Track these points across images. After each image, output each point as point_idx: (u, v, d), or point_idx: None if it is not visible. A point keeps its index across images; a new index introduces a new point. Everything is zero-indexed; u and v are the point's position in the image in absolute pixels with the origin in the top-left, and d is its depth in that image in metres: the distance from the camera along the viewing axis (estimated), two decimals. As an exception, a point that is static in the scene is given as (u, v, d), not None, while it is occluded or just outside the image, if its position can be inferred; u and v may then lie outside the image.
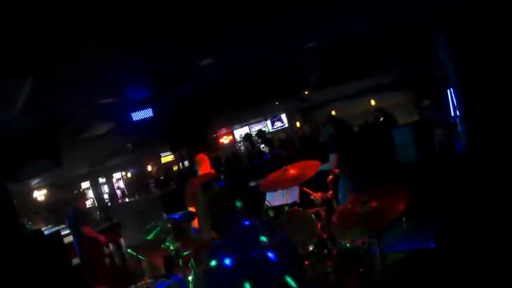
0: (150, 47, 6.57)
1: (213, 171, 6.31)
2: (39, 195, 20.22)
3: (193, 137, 13.12)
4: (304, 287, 2.97)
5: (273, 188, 5.39)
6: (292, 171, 4.96)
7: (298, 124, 24.63)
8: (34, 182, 17.83)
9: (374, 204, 3.35)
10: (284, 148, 16.60)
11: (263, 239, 2.71)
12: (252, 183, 7.95)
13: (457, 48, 8.08)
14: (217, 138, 23.05)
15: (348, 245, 4.14)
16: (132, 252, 4.99)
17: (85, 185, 23.35)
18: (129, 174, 24.98)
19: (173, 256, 4.10)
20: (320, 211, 4.96)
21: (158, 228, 4.34)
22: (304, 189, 5.34)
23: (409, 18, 8.40)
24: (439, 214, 6.02)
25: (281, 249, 2.76)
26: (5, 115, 6.97)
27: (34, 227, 11.03)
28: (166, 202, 11.80)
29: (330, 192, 5.26)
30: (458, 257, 4.36)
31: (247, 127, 24.19)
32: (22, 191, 17.63)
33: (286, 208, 5.24)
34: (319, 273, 3.91)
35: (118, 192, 23.31)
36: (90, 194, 23.24)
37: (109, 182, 24.71)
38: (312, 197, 5.20)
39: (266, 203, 5.69)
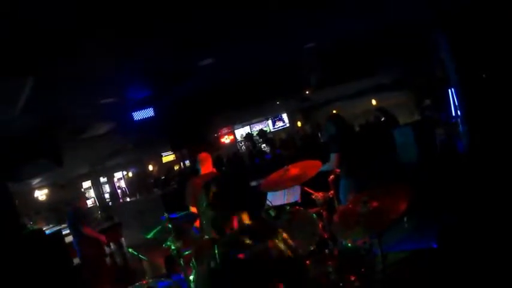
0: (150, 47, 6.57)
1: (215, 170, 6.31)
2: (41, 194, 20.26)
3: (194, 137, 13.13)
4: (305, 287, 2.97)
5: (274, 187, 5.39)
6: (293, 171, 4.94)
7: (299, 124, 24.63)
8: (35, 181, 17.86)
9: (375, 204, 3.34)
10: (285, 148, 16.60)
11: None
12: (253, 183, 7.94)
13: (457, 48, 8.07)
14: (218, 138, 23.05)
15: (349, 244, 4.13)
16: (133, 251, 4.98)
17: (86, 184, 23.38)
18: (130, 174, 24.99)
19: (174, 256, 4.09)
20: (321, 211, 4.95)
21: (159, 228, 4.34)
22: (306, 188, 5.32)
23: (409, 18, 8.39)
24: (440, 214, 6.02)
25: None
26: (6, 115, 6.97)
27: (35, 227, 11.04)
28: (168, 202, 11.79)
29: (331, 191, 5.24)
30: (460, 257, 4.35)
31: (248, 127, 24.20)
32: (23, 190, 17.66)
33: (288, 208, 5.23)
34: (320, 273, 3.90)
35: (119, 191, 23.33)
36: (92, 193, 23.28)
37: (110, 182, 24.73)
38: (313, 197, 5.18)
39: (267, 202, 5.68)
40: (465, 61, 7.95)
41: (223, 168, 13.65)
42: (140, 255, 4.93)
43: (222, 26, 6.39)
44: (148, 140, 17.05)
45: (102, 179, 24.48)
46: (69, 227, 8.29)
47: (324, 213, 4.91)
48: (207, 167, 6.17)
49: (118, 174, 25.17)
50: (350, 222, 3.49)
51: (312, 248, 4.38)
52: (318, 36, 8.95)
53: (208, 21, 6.00)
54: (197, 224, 5.79)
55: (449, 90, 9.93)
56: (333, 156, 6.32)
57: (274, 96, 17.61)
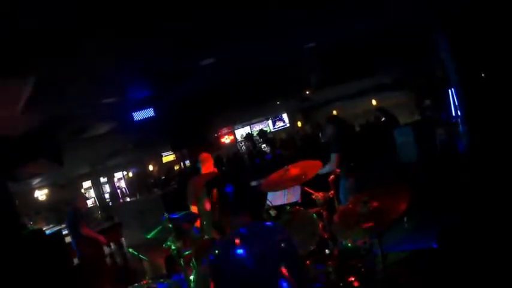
0: (150, 47, 6.57)
1: (216, 170, 6.33)
2: (41, 194, 20.28)
3: (194, 137, 13.13)
4: (305, 287, 2.97)
5: (275, 187, 5.39)
6: (293, 171, 4.94)
7: (299, 124, 24.64)
8: (35, 181, 17.87)
9: (375, 203, 3.34)
10: (285, 148, 16.60)
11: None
12: (254, 183, 7.94)
13: (457, 48, 8.07)
14: (218, 138, 23.06)
15: (349, 244, 4.13)
16: (133, 251, 4.98)
17: (86, 184, 23.41)
18: (130, 174, 25.00)
19: (174, 256, 4.09)
20: (321, 211, 4.95)
21: (159, 228, 4.34)
22: (306, 188, 5.32)
23: (409, 18, 8.39)
24: (440, 214, 6.02)
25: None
26: (6, 115, 6.98)
27: (35, 227, 11.05)
28: (168, 202, 11.79)
29: (332, 191, 5.25)
30: (460, 257, 4.35)
31: (248, 127, 24.22)
32: (23, 190, 17.67)
33: (288, 208, 5.23)
34: (320, 273, 3.90)
35: (119, 191, 23.34)
36: (92, 193, 23.30)
37: (110, 182, 24.75)
38: (313, 197, 5.18)
39: (267, 202, 5.68)
40: (465, 61, 7.95)
41: (224, 168, 13.65)
42: (140, 255, 4.93)
43: (222, 26, 6.39)
44: (149, 140, 17.06)
45: (102, 179, 24.50)
46: (68, 227, 8.27)
47: (324, 213, 4.91)
48: (208, 167, 6.22)
49: (118, 174, 25.19)
50: (350, 222, 3.49)
51: (312, 248, 4.38)
52: (318, 36, 8.95)
53: (208, 21, 6.00)
54: (198, 224, 5.80)
55: (450, 90, 9.93)
56: (333, 157, 6.33)
57: (275, 96, 17.62)
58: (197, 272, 3.76)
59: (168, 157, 24.62)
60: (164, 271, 6.88)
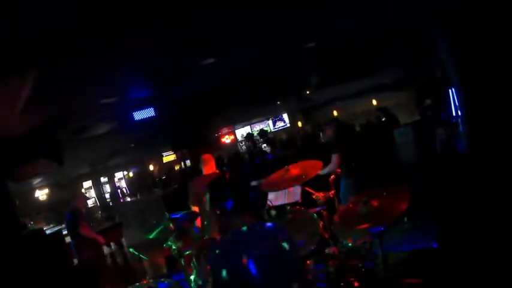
0: (150, 47, 6.57)
1: (217, 171, 6.35)
2: (41, 194, 20.29)
3: (195, 137, 13.13)
4: (306, 287, 2.97)
5: (275, 187, 5.40)
6: (293, 171, 4.95)
7: (300, 124, 24.65)
8: (36, 181, 17.87)
9: (375, 203, 3.35)
10: (286, 148, 16.60)
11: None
12: (254, 183, 7.95)
13: (457, 48, 8.07)
14: (219, 138, 23.08)
15: (349, 244, 4.14)
16: (134, 251, 4.99)
17: (87, 184, 23.44)
18: (131, 174, 25.03)
19: (175, 255, 4.10)
20: (322, 211, 4.96)
21: (160, 228, 4.35)
22: (306, 188, 5.34)
23: (409, 18, 8.39)
24: (441, 214, 6.02)
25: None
26: (6, 115, 6.98)
27: (36, 227, 11.05)
28: (168, 202, 11.80)
29: (332, 191, 5.25)
30: (460, 257, 4.36)
31: (248, 127, 24.23)
32: (24, 190, 17.68)
33: (288, 208, 5.24)
34: (320, 273, 3.90)
35: (119, 191, 23.38)
36: (92, 193, 23.33)
37: (111, 182, 24.77)
38: (314, 197, 5.19)
39: (268, 202, 5.69)
40: (465, 61, 7.94)
41: (224, 168, 13.65)
42: (141, 255, 4.95)
43: (222, 26, 6.40)
44: (149, 139, 17.07)
45: (103, 179, 24.53)
46: (67, 228, 8.24)
47: (325, 213, 4.92)
48: (209, 167, 6.25)
49: (119, 174, 25.22)
50: (350, 222, 3.49)
51: (312, 248, 4.39)
52: (318, 36, 8.94)
53: (208, 21, 6.00)
54: (198, 223, 5.81)
55: (450, 90, 9.92)
56: (334, 157, 6.34)
57: (275, 96, 17.62)
58: (198, 271, 3.77)
59: (169, 157, 24.64)
60: (165, 271, 6.90)
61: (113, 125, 12.06)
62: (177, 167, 22.34)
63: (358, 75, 14.25)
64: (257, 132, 21.48)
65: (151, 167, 24.52)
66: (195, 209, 5.82)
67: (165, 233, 4.26)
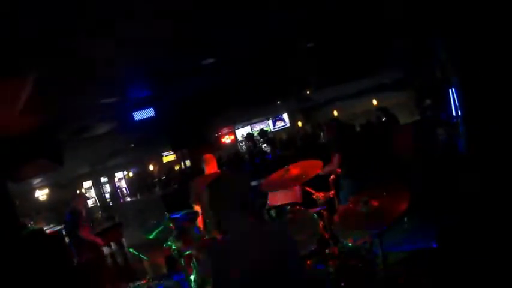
0: (150, 46, 6.57)
1: (219, 171, 6.37)
2: (41, 194, 20.30)
3: (195, 137, 13.13)
4: (306, 287, 2.97)
5: (275, 187, 5.40)
6: (293, 171, 4.95)
7: (300, 124, 24.65)
8: (36, 181, 17.88)
9: (375, 203, 3.35)
10: (286, 148, 16.60)
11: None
12: (254, 183, 7.95)
13: (457, 48, 8.06)
14: (219, 138, 23.08)
15: (349, 244, 4.14)
16: (134, 251, 4.99)
17: (87, 184, 23.45)
18: (131, 174, 25.03)
19: (175, 255, 4.10)
20: (322, 211, 4.96)
21: (160, 228, 4.35)
22: (306, 188, 5.33)
23: (409, 18, 8.39)
24: (440, 214, 6.02)
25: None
26: (6, 115, 6.97)
27: (36, 227, 11.05)
28: (168, 202, 11.80)
29: (332, 191, 5.25)
30: (460, 257, 4.35)
31: (249, 127, 24.23)
32: (24, 190, 17.69)
33: (288, 208, 5.24)
34: (320, 273, 3.90)
35: (119, 191, 23.38)
36: (92, 193, 23.33)
37: (111, 182, 24.78)
38: (314, 197, 5.19)
39: (268, 202, 5.69)
40: (465, 61, 7.94)
41: (224, 168, 13.66)
42: (141, 255, 4.95)
43: (222, 26, 6.40)
44: (149, 140, 17.07)
45: (103, 179, 24.54)
46: (66, 229, 8.22)
47: (325, 213, 4.91)
48: (211, 167, 6.28)
49: (119, 174, 25.22)
50: (350, 222, 3.49)
51: (312, 248, 4.39)
52: (318, 36, 8.95)
53: (208, 21, 6.00)
54: (199, 223, 5.83)
55: (450, 90, 9.92)
56: (334, 157, 6.34)
57: (275, 96, 17.62)
58: (198, 271, 3.77)
59: (169, 157, 24.65)
60: (165, 271, 6.90)
61: (113, 125, 12.07)
62: (177, 167, 22.35)
63: (358, 75, 14.25)
64: (257, 132, 21.47)
65: (151, 167, 24.53)
66: (197, 208, 5.85)
67: (165, 233, 4.26)
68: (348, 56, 11.05)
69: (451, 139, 9.73)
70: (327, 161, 6.11)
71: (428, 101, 13.14)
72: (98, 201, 22.65)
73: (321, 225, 4.73)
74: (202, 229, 5.98)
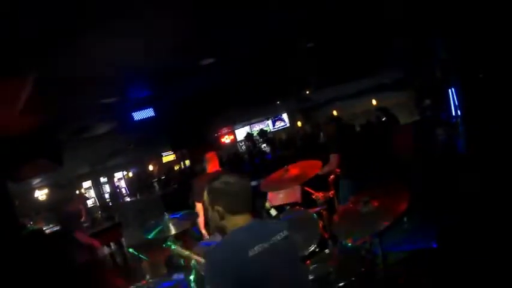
0: (150, 46, 6.57)
1: (220, 169, 6.37)
2: (41, 194, 20.30)
3: (194, 137, 13.13)
4: (306, 287, 2.97)
5: (275, 187, 5.40)
6: (293, 171, 4.95)
7: (299, 124, 24.64)
8: (35, 181, 17.87)
9: (375, 203, 3.35)
10: (285, 148, 16.61)
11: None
12: (253, 183, 7.94)
13: (457, 48, 8.07)
14: (218, 138, 23.09)
15: (349, 244, 4.13)
16: (133, 251, 4.98)
17: (86, 184, 23.44)
18: (130, 174, 25.03)
19: (175, 256, 4.09)
20: (321, 211, 4.96)
21: (159, 228, 4.34)
22: (306, 188, 5.33)
23: (409, 18, 8.39)
24: (440, 214, 6.02)
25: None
26: (6, 115, 6.97)
27: (35, 227, 11.05)
28: (168, 202, 11.81)
29: (332, 191, 5.25)
30: (460, 257, 4.36)
31: (248, 127, 24.22)
32: (23, 190, 17.68)
33: (288, 208, 5.24)
34: (320, 273, 3.90)
35: (119, 191, 23.37)
36: (92, 193, 23.33)
37: (110, 182, 24.77)
38: (313, 197, 5.19)
39: (267, 202, 5.69)
40: (464, 61, 7.95)
41: (226, 167, 13.67)
42: (140, 255, 4.94)
43: (222, 26, 6.40)
44: (149, 140, 17.07)
45: (103, 179, 24.53)
46: (62, 231, 8.20)
47: (324, 213, 4.91)
48: (213, 165, 6.29)
49: (118, 174, 25.22)
50: (350, 222, 3.49)
51: (312, 248, 4.38)
52: (318, 36, 8.95)
53: (207, 21, 6.00)
54: (201, 222, 5.83)
55: (450, 90, 9.93)
56: (332, 157, 6.33)
57: (274, 96, 17.62)
58: (197, 272, 3.76)
59: (168, 157, 24.65)
60: (164, 271, 6.89)
61: (113, 125, 12.06)
62: (176, 167, 22.36)
63: (358, 75, 14.25)
64: (257, 132, 21.48)
65: (150, 167, 24.53)
66: (199, 206, 5.85)
67: (165, 233, 4.25)
68: (348, 56, 11.04)
69: (451, 139, 9.74)
70: (326, 161, 6.11)
71: (427, 101, 13.15)
72: (98, 201, 22.66)
73: (320, 225, 4.73)
74: (203, 228, 6.00)
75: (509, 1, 6.95)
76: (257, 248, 2.37)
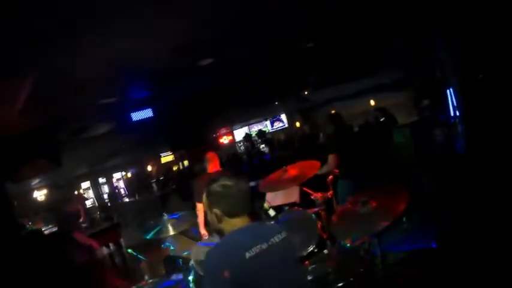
0: (150, 46, 6.57)
1: (221, 169, 6.37)
2: (39, 195, 20.28)
3: (193, 137, 13.12)
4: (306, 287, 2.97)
5: (273, 188, 5.40)
6: (292, 172, 4.95)
7: (298, 124, 24.63)
8: (34, 182, 17.85)
9: (374, 204, 3.35)
10: (284, 148, 16.60)
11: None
12: (252, 183, 7.94)
13: (457, 48, 8.08)
14: (217, 138, 23.07)
15: (348, 245, 4.13)
16: (132, 252, 4.98)
17: (85, 185, 23.42)
18: (129, 174, 25.01)
19: (173, 256, 4.10)
20: (320, 211, 4.96)
21: (158, 228, 4.35)
22: (305, 189, 5.33)
23: (409, 18, 8.40)
24: (440, 214, 6.02)
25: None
26: (6, 115, 6.97)
27: (34, 227, 11.03)
28: (167, 202, 11.80)
29: (330, 192, 5.25)
30: (460, 257, 4.36)
31: (247, 127, 24.21)
32: (22, 190, 17.65)
33: (286, 208, 5.24)
34: (319, 274, 3.90)
35: (118, 192, 23.36)
36: (91, 194, 23.31)
37: (109, 182, 24.75)
38: (312, 197, 5.19)
39: (266, 203, 5.69)
40: (464, 62, 7.96)
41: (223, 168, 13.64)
42: (139, 256, 4.94)
43: (221, 26, 6.40)
44: (147, 140, 17.06)
45: (101, 180, 24.51)
46: (60, 232, 8.19)
47: (323, 213, 4.91)
48: (214, 165, 6.27)
49: (117, 175, 25.20)
50: (349, 222, 3.49)
51: (310, 249, 4.38)
52: (317, 36, 8.95)
53: (207, 21, 6.01)
54: (201, 222, 5.82)
55: (448, 90, 9.93)
56: (330, 158, 6.32)
57: (273, 97, 17.62)
58: (196, 272, 3.76)
59: (167, 157, 24.62)
60: (163, 271, 6.88)
61: (112, 125, 12.06)
62: (175, 168, 22.34)
63: (357, 75, 14.25)
64: (255, 132, 21.46)
65: (149, 168, 24.51)
66: (200, 206, 5.85)
67: (164, 233, 4.26)
68: (348, 56, 11.05)
69: (449, 139, 9.74)
70: (325, 162, 6.11)
71: (426, 101, 13.15)
72: (97, 201, 22.64)
73: (319, 225, 4.73)
74: (203, 229, 5.99)
75: (509, 1, 6.96)
76: (255, 249, 2.37)
